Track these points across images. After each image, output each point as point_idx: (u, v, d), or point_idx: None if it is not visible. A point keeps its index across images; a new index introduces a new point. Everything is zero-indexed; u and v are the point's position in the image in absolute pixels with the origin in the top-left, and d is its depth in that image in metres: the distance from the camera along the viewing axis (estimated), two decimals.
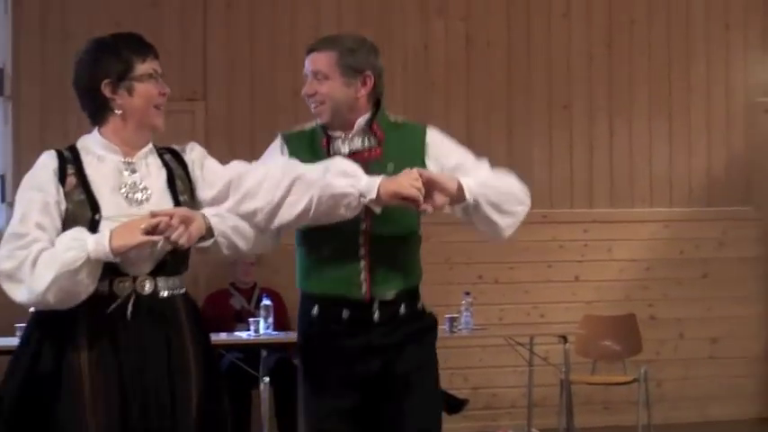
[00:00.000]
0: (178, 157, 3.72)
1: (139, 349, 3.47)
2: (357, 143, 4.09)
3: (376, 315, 4.03)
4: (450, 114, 9.26)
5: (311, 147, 4.09)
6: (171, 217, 3.41)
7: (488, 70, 9.57)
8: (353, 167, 3.80)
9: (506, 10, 9.62)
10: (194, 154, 3.75)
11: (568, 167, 9.68)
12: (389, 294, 4.05)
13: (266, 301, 7.99)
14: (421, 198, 3.78)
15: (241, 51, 9.13)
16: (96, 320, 3.44)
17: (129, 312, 3.46)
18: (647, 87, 9.84)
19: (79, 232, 3.40)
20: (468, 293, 8.45)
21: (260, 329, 7.80)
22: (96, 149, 3.60)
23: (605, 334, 9.14)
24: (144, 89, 3.60)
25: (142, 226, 3.37)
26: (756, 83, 10.03)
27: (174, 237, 3.41)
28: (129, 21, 8.48)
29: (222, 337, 7.73)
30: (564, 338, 8.53)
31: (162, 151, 3.70)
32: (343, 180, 3.74)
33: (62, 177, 3.51)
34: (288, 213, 3.72)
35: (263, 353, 7.72)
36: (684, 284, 9.72)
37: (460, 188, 3.91)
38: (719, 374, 9.73)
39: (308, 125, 4.17)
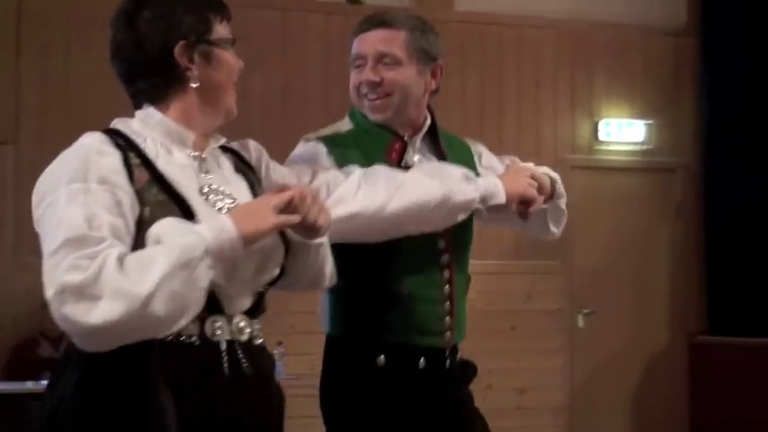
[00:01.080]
0: (241, 158, 2.81)
1: (238, 415, 2.51)
2: (425, 152, 3.31)
3: (448, 362, 3.31)
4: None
5: (364, 152, 3.16)
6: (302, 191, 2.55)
7: (306, 120, 9.62)
8: (464, 168, 3.10)
9: (323, 63, 9.70)
10: (264, 156, 2.89)
11: None
12: (461, 338, 3.36)
13: None
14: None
15: (56, 95, 8.96)
16: (181, 375, 2.42)
17: (225, 365, 2.49)
18: None
19: (181, 220, 2.41)
20: (280, 343, 8.45)
21: None
22: (158, 136, 2.59)
23: None
24: (226, 58, 2.64)
25: (273, 203, 2.45)
26: (564, 140, 10.30)
27: (311, 215, 2.53)
28: None
29: (28, 385, 7.54)
30: None
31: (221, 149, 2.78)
32: (467, 185, 3.05)
33: (128, 169, 2.48)
34: (393, 220, 2.94)
35: None
36: (493, 336, 9.88)
37: (552, 182, 3.37)
38: (526, 425, 9.89)
39: (342, 127, 3.30)
